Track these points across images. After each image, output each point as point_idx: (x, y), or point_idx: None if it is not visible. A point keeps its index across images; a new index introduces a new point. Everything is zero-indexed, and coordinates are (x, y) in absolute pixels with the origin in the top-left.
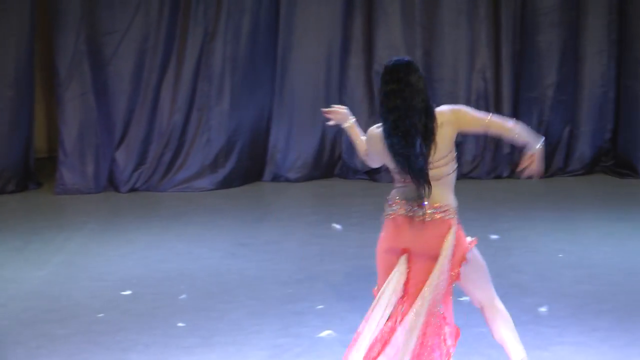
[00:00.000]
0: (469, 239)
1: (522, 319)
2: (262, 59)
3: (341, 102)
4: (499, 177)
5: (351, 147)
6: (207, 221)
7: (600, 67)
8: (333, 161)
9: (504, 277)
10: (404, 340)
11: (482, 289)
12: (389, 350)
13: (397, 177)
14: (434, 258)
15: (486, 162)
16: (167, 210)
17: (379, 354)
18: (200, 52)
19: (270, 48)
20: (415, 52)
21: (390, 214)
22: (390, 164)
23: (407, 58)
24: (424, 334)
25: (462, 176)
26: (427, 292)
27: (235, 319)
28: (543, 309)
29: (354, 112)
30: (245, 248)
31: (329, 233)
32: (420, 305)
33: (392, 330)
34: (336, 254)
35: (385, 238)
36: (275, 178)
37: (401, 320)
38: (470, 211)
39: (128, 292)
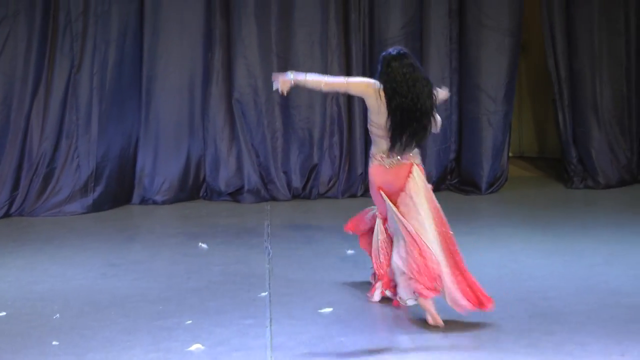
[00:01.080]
0: None
1: None
2: (128, 88)
3: (204, 129)
4: (353, 195)
5: (215, 169)
6: (79, 244)
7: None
8: (198, 184)
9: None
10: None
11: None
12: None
13: (379, 132)
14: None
15: (341, 182)
16: (40, 234)
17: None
18: (67, 82)
19: (135, 78)
20: (271, 81)
21: (375, 163)
22: (381, 119)
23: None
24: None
25: (319, 196)
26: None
27: (107, 336)
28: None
29: (215, 138)
30: (115, 268)
31: (196, 252)
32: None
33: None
34: (203, 271)
35: (375, 180)
36: (143, 201)
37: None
38: (326, 230)
39: (2, 314)
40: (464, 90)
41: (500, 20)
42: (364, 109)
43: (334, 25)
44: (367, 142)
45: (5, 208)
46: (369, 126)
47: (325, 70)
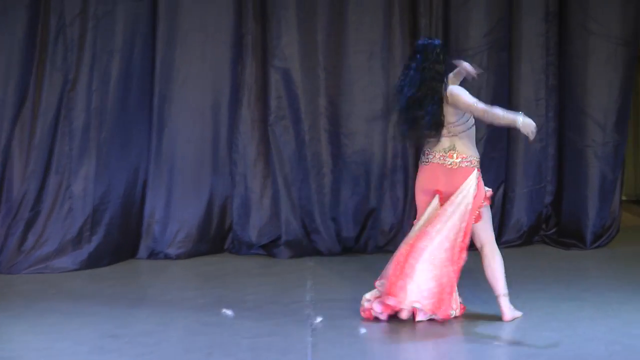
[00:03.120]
0: (487, 189)
1: None
2: (135, 111)
3: (231, 163)
4: None
5: (244, 215)
6: (69, 309)
7: (538, 118)
8: (222, 233)
9: None
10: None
11: (485, 230)
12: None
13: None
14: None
15: (405, 231)
16: (20, 296)
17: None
18: (59, 103)
19: (145, 98)
20: (317, 101)
21: (423, 161)
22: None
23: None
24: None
25: (377, 249)
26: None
27: None
28: None
29: (246, 175)
30: (117, 341)
31: (219, 320)
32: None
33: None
34: (228, 345)
35: (418, 181)
36: (153, 254)
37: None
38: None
39: None
40: (564, 115)
41: (612, 26)
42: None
43: (398, 32)
44: None
45: None
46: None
47: (387, 91)
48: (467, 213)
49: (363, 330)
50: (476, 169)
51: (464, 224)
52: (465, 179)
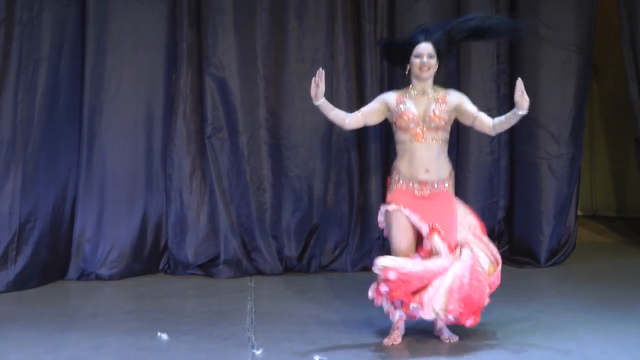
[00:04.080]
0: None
1: None
2: (64, 123)
3: (166, 178)
4: (366, 269)
5: (180, 233)
6: None
7: None
8: (157, 253)
9: None
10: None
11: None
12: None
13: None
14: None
15: (351, 250)
16: None
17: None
18: None
19: (73, 109)
20: (257, 111)
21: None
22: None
23: None
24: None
25: (320, 268)
26: None
27: None
28: None
29: (181, 191)
30: None
31: (154, 345)
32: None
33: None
34: None
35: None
36: (84, 275)
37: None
38: (329, 314)
39: None
40: (516, 127)
41: (565, 32)
42: (381, 150)
43: (341, 38)
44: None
45: None
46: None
47: (330, 98)
48: None
49: (316, 358)
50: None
51: None
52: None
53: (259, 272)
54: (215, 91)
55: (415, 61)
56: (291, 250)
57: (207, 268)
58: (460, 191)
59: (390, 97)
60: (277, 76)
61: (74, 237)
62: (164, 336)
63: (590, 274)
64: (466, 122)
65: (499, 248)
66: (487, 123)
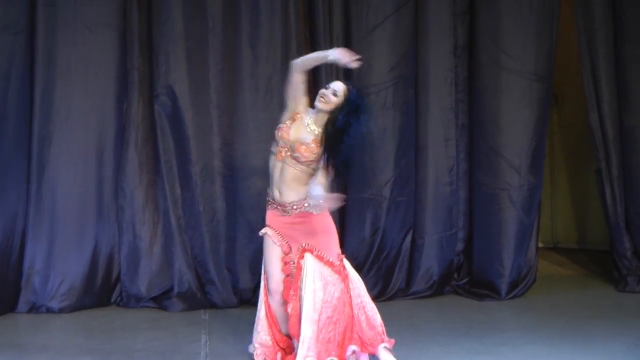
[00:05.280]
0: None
1: None
2: (12, 153)
3: (117, 209)
4: None
5: (132, 265)
6: None
7: (448, 159)
8: (109, 285)
9: None
10: None
11: None
12: None
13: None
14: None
15: None
16: None
17: None
18: None
19: (22, 139)
20: (210, 140)
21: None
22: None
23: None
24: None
25: None
26: None
27: None
28: None
29: (134, 222)
30: None
31: None
32: None
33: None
34: None
35: None
36: (34, 308)
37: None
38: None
39: None
40: (475, 157)
41: (525, 60)
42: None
43: None
44: (344, 226)
45: None
46: None
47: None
48: None
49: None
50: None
51: None
52: None
53: (213, 305)
54: (167, 120)
55: (321, 90)
56: (246, 282)
57: (160, 301)
58: (418, 222)
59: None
60: (230, 105)
61: (23, 269)
62: None
63: (551, 306)
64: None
65: (457, 280)
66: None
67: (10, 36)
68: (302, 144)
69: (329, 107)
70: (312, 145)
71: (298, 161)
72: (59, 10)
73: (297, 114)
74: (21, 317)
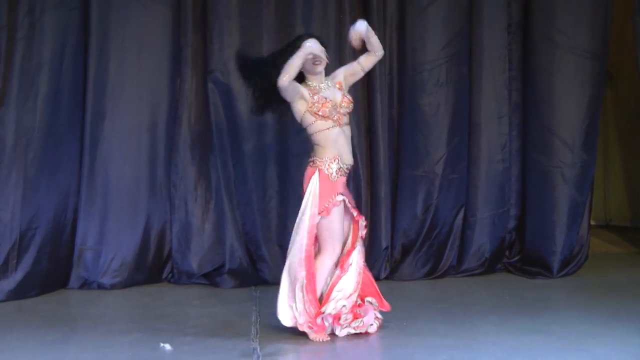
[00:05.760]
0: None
1: None
2: (66, 130)
3: (170, 185)
4: (376, 278)
5: (184, 242)
6: None
7: (500, 136)
8: (160, 262)
9: None
10: None
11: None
12: None
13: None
14: None
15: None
16: None
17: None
18: None
19: (75, 116)
20: (262, 117)
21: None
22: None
23: None
24: None
25: None
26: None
27: None
28: None
29: (186, 199)
30: None
31: (157, 356)
32: None
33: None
34: None
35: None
36: (85, 284)
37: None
38: None
39: None
40: (528, 134)
41: (579, 38)
42: (391, 158)
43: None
44: (395, 203)
45: None
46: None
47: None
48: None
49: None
50: (318, 170)
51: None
52: (308, 180)
53: (264, 282)
54: (219, 97)
55: (309, 57)
56: None
57: (212, 277)
58: (470, 200)
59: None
60: None
61: (75, 245)
62: (167, 347)
63: (603, 285)
64: (358, 75)
65: (509, 258)
66: (368, 55)
67: (65, 12)
68: (343, 97)
69: (324, 64)
70: (347, 94)
71: (348, 115)
72: None
73: (312, 88)
74: (73, 293)
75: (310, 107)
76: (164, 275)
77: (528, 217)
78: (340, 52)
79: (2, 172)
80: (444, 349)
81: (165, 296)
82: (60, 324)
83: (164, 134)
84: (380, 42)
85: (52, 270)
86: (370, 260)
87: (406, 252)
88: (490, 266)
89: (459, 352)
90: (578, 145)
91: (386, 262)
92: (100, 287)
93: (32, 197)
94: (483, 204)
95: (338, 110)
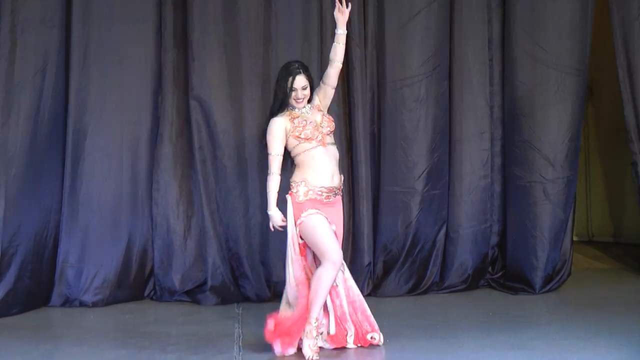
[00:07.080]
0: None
1: None
2: (47, 146)
3: (151, 202)
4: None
5: (166, 258)
6: None
7: (482, 152)
8: (142, 279)
9: None
10: None
11: (314, 247)
12: None
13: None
14: None
15: None
16: None
17: None
18: None
19: (57, 132)
20: (244, 133)
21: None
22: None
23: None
24: None
25: None
26: None
27: None
28: None
29: (168, 215)
30: None
31: None
32: None
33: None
34: None
35: None
36: (67, 302)
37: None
38: None
39: None
40: (510, 150)
41: (560, 53)
42: (372, 174)
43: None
44: (377, 220)
45: None
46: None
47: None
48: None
49: None
50: (290, 195)
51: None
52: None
53: (247, 299)
54: (201, 114)
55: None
56: (279, 275)
57: (194, 294)
58: (452, 216)
59: (280, 120)
60: (264, 98)
61: (57, 263)
62: None
63: (586, 301)
64: (329, 93)
65: (492, 274)
66: (331, 64)
67: (47, 29)
68: (323, 117)
69: (305, 101)
70: (326, 114)
71: (330, 134)
72: (94, 3)
73: (292, 114)
74: (54, 310)
75: (292, 131)
76: (146, 293)
77: (510, 232)
78: (322, 69)
79: None
80: None
81: (147, 313)
82: (42, 342)
83: (145, 151)
84: (361, 58)
85: (33, 288)
86: (353, 276)
87: (389, 268)
88: (473, 282)
89: None
90: (559, 160)
91: (369, 278)
92: (82, 304)
93: (13, 214)
94: (465, 220)
95: (320, 130)
